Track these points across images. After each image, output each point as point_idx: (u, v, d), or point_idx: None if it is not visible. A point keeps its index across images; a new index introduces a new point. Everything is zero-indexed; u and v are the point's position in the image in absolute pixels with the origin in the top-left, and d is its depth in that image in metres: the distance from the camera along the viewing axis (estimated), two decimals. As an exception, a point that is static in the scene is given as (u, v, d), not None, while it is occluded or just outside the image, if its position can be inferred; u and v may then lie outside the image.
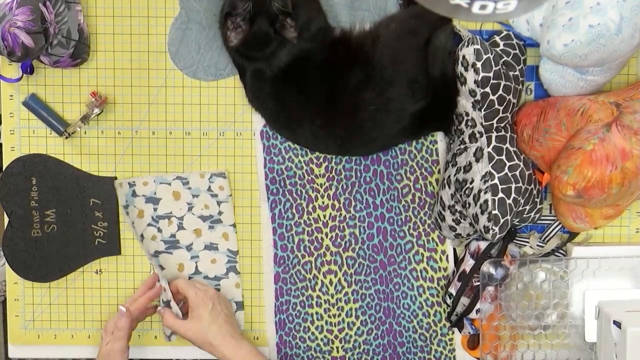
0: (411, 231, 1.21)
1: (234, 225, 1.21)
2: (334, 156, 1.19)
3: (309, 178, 1.20)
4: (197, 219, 1.21)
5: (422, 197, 1.20)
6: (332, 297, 1.23)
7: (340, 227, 1.21)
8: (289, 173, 1.20)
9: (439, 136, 1.18)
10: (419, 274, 1.21)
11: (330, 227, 1.21)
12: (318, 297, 1.23)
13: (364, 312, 1.23)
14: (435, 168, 1.19)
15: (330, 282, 1.22)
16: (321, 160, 1.20)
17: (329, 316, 1.23)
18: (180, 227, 1.21)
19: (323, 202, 1.21)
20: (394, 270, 1.22)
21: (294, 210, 1.21)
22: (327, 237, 1.21)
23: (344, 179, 1.20)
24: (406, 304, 1.22)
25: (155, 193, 1.20)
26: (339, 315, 1.23)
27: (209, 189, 1.20)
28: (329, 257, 1.22)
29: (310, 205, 1.21)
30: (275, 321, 1.24)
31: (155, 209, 1.20)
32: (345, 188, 1.20)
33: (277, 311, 1.24)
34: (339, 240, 1.21)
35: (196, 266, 1.22)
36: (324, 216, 1.21)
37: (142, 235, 1.21)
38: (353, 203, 1.20)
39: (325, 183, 1.20)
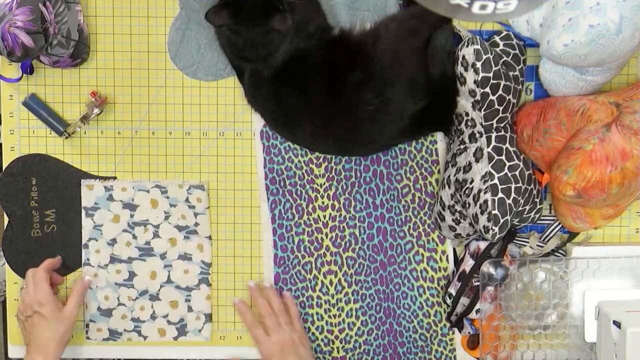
0: (411, 231, 1.20)
1: (209, 238, 1.21)
2: (333, 156, 1.19)
3: (309, 178, 1.20)
4: (173, 228, 1.20)
5: (422, 197, 1.20)
6: (333, 297, 1.23)
7: (340, 228, 1.21)
8: (288, 173, 1.20)
9: (439, 136, 1.18)
10: (419, 274, 1.21)
11: (330, 228, 1.21)
12: (318, 297, 1.23)
13: (364, 313, 1.23)
14: (435, 168, 1.19)
15: (331, 282, 1.22)
16: (321, 160, 1.20)
17: (329, 317, 1.23)
18: (156, 235, 1.20)
19: (323, 203, 1.21)
20: (394, 271, 1.21)
21: (294, 211, 1.21)
22: (327, 238, 1.21)
23: (343, 179, 1.20)
24: (406, 304, 1.22)
25: (133, 199, 1.19)
26: (339, 315, 1.23)
27: (187, 200, 1.19)
28: (329, 258, 1.22)
29: (310, 206, 1.21)
30: (275, 321, 1.24)
31: (132, 215, 1.20)
32: (345, 188, 1.20)
33: (277, 311, 1.24)
34: (339, 240, 1.21)
35: (169, 275, 1.21)
36: (324, 216, 1.21)
37: (114, 240, 1.20)
38: (353, 203, 1.20)
39: (325, 183, 1.20)
